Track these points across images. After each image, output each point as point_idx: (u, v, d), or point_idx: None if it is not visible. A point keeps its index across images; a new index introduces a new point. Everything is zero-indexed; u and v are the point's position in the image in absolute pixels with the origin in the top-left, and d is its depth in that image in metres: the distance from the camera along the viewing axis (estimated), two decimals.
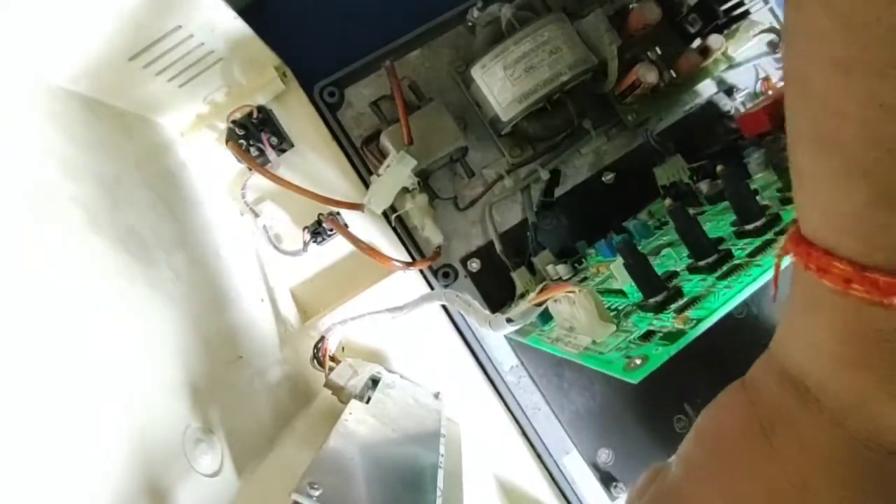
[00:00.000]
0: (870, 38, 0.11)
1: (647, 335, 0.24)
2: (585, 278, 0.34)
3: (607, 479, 0.38)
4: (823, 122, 0.13)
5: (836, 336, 0.15)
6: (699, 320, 0.23)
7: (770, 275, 0.23)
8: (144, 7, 0.27)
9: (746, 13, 0.40)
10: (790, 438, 0.16)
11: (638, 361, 0.22)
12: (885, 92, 0.11)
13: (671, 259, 0.29)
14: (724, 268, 0.25)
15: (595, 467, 0.38)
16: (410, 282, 0.38)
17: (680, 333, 0.23)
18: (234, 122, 0.36)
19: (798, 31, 0.13)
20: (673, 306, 0.25)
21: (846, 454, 0.15)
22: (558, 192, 0.40)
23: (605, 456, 0.38)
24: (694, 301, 0.24)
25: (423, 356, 0.39)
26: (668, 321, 0.24)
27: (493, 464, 0.39)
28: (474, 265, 0.39)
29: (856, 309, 0.14)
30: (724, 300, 0.23)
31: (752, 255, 0.25)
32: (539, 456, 0.39)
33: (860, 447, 0.15)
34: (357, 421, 0.29)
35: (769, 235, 0.26)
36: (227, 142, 0.36)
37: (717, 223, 0.31)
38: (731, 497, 0.17)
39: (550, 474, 0.38)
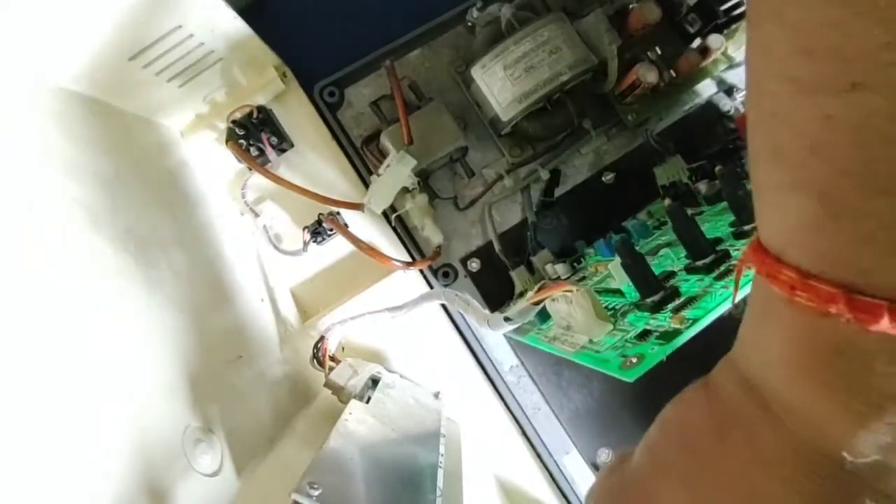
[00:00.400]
0: (819, 53, 0.12)
1: (644, 334, 0.24)
2: (584, 277, 0.34)
3: None
4: (774, 134, 0.14)
5: (789, 346, 0.15)
6: (695, 320, 0.23)
7: None
8: (144, 7, 0.27)
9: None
10: (741, 440, 0.17)
11: (634, 360, 0.22)
12: (832, 105, 0.12)
13: (669, 259, 0.29)
14: (722, 268, 0.25)
15: (595, 467, 0.38)
16: (410, 282, 0.38)
17: (676, 333, 0.23)
18: (234, 122, 0.36)
19: (754, 45, 0.14)
20: (670, 306, 0.25)
21: (795, 460, 0.15)
22: (558, 191, 0.40)
23: (605, 456, 0.38)
24: (691, 301, 0.24)
25: (423, 356, 0.39)
26: (664, 321, 0.24)
27: (493, 464, 0.39)
28: (474, 265, 0.39)
29: (808, 320, 0.14)
30: (720, 300, 0.23)
31: None
32: (539, 456, 0.39)
33: (811, 454, 0.15)
34: (357, 421, 0.29)
35: None
36: (227, 142, 0.36)
37: (716, 223, 0.31)
38: (687, 488, 0.18)
39: (550, 474, 0.38)
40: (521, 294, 0.38)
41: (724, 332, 0.23)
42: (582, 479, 0.38)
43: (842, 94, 0.12)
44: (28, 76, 0.26)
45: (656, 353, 0.22)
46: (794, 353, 0.15)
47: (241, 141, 0.36)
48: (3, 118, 0.23)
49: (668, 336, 0.23)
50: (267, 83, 0.37)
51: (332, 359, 0.35)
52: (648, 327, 0.24)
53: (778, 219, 0.15)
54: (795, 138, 0.13)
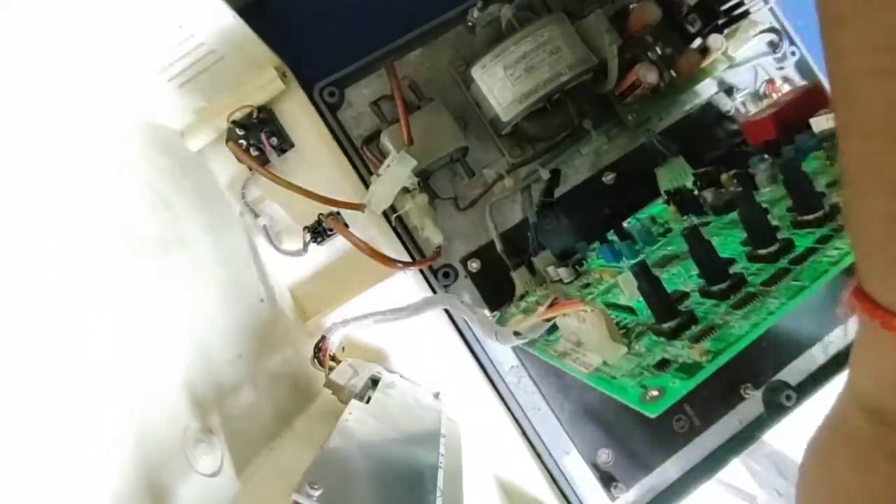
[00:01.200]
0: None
1: (663, 364, 0.23)
2: (588, 284, 0.34)
3: (607, 479, 0.38)
4: (857, 201, 0.16)
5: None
6: (717, 353, 0.22)
7: (786, 308, 0.23)
8: (144, 8, 0.27)
9: (746, 13, 0.40)
10: (885, 464, 0.18)
11: (654, 393, 0.22)
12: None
13: (680, 277, 0.29)
14: (739, 295, 0.24)
15: (595, 467, 0.38)
16: (410, 282, 0.38)
17: (698, 367, 0.22)
18: (234, 122, 0.36)
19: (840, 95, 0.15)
20: (687, 333, 0.24)
21: None
22: (558, 192, 0.40)
23: (605, 456, 0.38)
24: (710, 330, 0.23)
25: (423, 356, 0.39)
26: (682, 349, 0.23)
27: (493, 464, 0.39)
28: (474, 265, 0.39)
29: None
30: (742, 333, 0.22)
31: (766, 283, 0.24)
32: (539, 456, 0.39)
33: None
34: (357, 421, 0.29)
35: (783, 263, 0.25)
36: (227, 142, 0.36)
37: (725, 239, 0.30)
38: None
39: (550, 474, 0.38)
40: (522, 296, 0.37)
41: None
42: (582, 479, 0.38)
43: None
44: (28, 76, 0.26)
45: (678, 387, 0.21)
46: None
47: (241, 141, 0.36)
48: (2, 117, 0.23)
49: (690, 369, 0.22)
50: (267, 83, 0.37)
51: (333, 359, 0.35)
52: (667, 356, 0.23)
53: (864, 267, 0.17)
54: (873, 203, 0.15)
